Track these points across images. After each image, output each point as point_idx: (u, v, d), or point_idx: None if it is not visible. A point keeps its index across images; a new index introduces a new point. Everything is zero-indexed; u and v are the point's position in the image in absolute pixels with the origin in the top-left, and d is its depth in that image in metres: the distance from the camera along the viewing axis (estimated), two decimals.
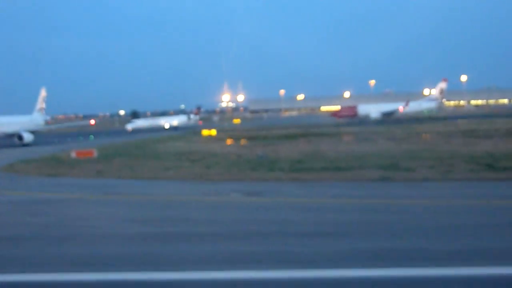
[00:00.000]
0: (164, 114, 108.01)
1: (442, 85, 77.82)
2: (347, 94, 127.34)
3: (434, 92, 78.98)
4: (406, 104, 72.70)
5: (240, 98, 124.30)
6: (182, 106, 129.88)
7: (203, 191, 18.54)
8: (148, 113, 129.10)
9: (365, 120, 68.36)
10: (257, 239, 10.15)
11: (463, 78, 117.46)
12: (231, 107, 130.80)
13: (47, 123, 63.09)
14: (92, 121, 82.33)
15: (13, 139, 47.77)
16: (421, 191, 17.11)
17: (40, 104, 60.12)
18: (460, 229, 10.66)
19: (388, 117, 69.71)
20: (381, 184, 18.71)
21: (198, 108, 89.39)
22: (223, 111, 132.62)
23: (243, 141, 43.37)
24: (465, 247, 8.78)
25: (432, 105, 77.50)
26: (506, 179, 18.04)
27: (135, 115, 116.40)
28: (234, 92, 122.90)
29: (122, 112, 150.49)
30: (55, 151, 38.66)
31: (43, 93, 60.93)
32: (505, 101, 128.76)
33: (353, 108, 75.25)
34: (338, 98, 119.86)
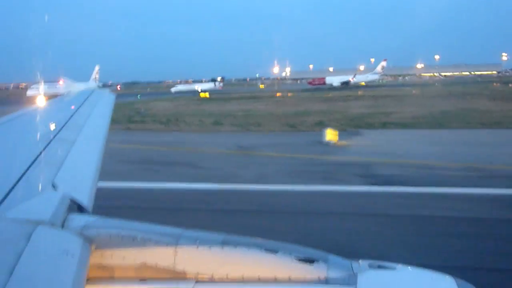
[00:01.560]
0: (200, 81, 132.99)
1: (383, 63, 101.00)
2: (331, 68, 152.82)
3: (379, 68, 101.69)
4: (354, 76, 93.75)
5: (288, 70, 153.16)
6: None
7: None
8: (190, 81, 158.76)
9: (330, 87, 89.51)
10: None
11: (437, 56, 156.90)
12: (279, 76, 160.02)
13: (99, 87, 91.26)
14: (118, 87, 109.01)
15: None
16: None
17: (95, 75, 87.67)
18: None
19: (346, 85, 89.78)
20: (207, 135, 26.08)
21: (222, 78, 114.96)
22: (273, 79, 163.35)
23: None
24: None
25: (375, 77, 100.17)
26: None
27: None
28: (284, 66, 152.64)
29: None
30: None
31: (96, 68, 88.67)
32: (467, 73, 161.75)
33: (323, 79, 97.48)
34: (328, 71, 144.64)
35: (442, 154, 17.34)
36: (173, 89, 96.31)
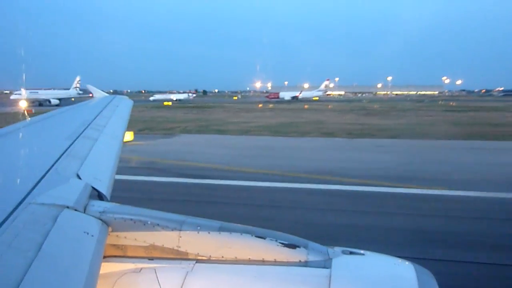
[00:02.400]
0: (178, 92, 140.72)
1: (326, 82, 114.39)
2: (304, 85, 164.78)
3: (322, 86, 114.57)
4: (300, 92, 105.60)
5: (269, 85, 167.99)
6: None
7: None
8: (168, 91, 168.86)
9: (282, 100, 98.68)
10: None
11: (389, 78, 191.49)
12: (259, 90, 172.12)
13: (79, 94, 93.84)
14: (91, 94, 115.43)
15: (46, 102, 75.90)
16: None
17: (76, 84, 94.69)
18: None
19: (295, 99, 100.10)
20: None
21: (196, 90, 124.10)
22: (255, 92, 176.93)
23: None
24: None
25: (320, 93, 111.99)
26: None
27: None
28: (266, 81, 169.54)
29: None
30: None
31: (77, 78, 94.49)
32: (414, 92, 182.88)
33: (277, 94, 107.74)
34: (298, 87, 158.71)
35: (209, 156, 18.84)
36: (151, 98, 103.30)
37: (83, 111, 6.84)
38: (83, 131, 4.16)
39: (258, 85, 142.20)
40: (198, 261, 2.03)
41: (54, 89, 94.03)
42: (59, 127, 4.78)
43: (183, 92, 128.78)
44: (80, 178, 2.63)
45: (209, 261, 2.03)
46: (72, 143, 3.53)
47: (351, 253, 2.01)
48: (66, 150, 3.23)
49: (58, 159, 2.92)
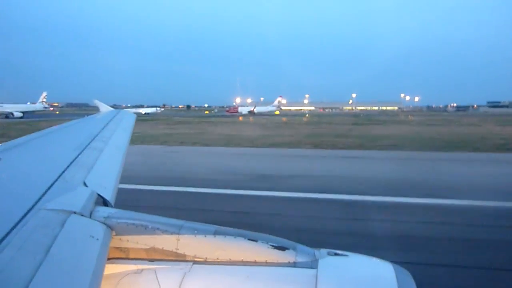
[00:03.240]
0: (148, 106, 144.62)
1: (279, 98, 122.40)
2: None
3: (276, 102, 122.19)
4: (254, 107, 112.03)
5: (249, 100, 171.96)
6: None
7: None
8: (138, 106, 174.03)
9: (240, 114, 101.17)
10: None
11: (354, 95, 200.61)
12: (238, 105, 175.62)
13: (45, 108, 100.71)
14: (51, 108, 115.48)
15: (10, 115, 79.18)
16: None
17: (42, 99, 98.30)
18: None
19: (251, 113, 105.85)
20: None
21: (164, 105, 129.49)
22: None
23: None
24: None
25: (274, 109, 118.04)
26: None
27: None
28: (246, 96, 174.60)
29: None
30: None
31: (44, 94, 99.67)
32: (376, 108, 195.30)
33: (236, 108, 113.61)
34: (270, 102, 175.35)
35: None
36: None
37: (91, 124, 7.10)
38: (90, 142, 4.28)
39: (238, 100, 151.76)
40: (195, 262, 2.11)
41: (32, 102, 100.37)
42: (68, 138, 4.88)
43: (152, 107, 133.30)
44: (86, 186, 2.74)
45: (205, 262, 2.10)
46: (80, 153, 3.63)
47: (336, 254, 2.10)
48: (74, 160, 3.33)
49: (67, 168, 3.01)
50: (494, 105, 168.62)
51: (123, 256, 2.18)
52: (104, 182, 3.06)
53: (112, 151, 4.42)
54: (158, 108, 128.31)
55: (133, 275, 2.11)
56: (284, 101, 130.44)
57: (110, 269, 2.07)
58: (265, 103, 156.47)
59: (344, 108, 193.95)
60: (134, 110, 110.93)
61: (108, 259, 2.02)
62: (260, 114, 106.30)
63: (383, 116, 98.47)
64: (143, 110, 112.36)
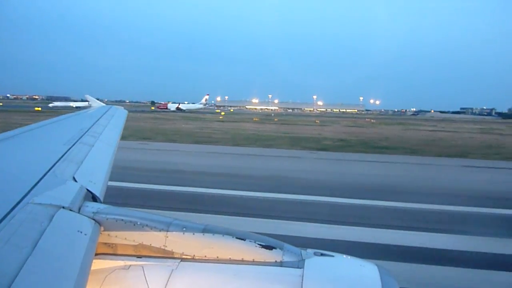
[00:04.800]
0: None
1: (206, 97, 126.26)
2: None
3: (203, 100, 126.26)
4: (179, 104, 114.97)
5: (218, 99, 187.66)
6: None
7: None
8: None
9: (170, 111, 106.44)
10: None
11: (314, 96, 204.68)
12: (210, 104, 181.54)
13: None
14: None
15: None
16: None
17: None
18: None
19: (179, 110, 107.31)
20: None
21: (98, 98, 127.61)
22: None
23: None
24: None
25: (201, 106, 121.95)
26: None
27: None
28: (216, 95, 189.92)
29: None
30: None
31: None
32: (337, 110, 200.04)
33: (166, 105, 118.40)
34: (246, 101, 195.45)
35: None
36: (50, 105, 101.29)
37: (82, 119, 6.93)
38: (81, 137, 4.23)
39: (205, 98, 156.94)
40: (183, 260, 2.09)
41: None
42: (58, 133, 4.80)
43: (84, 101, 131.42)
44: (76, 181, 2.69)
45: (193, 260, 2.09)
46: (70, 148, 3.58)
47: (322, 254, 2.11)
48: (64, 154, 3.27)
49: (56, 162, 2.96)
50: (444, 111, 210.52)
51: (111, 252, 2.16)
52: (94, 177, 3.02)
53: (103, 146, 4.36)
54: (89, 103, 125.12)
55: (121, 271, 2.10)
56: (207, 98, 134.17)
57: (98, 264, 2.05)
58: (229, 102, 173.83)
59: (304, 109, 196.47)
60: (64, 104, 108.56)
61: (96, 254, 2.00)
62: (190, 111, 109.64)
63: (304, 117, 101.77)
64: (74, 104, 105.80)
